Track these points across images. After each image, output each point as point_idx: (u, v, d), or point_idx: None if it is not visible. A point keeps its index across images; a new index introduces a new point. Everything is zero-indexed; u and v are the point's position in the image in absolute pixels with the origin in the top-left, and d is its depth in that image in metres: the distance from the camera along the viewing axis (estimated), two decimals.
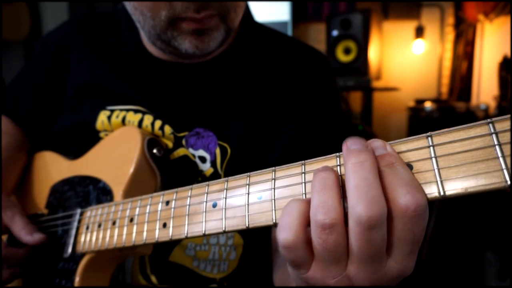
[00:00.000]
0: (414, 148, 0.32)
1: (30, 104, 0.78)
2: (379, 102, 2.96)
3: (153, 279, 0.67)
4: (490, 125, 0.29)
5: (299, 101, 0.68)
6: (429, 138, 0.31)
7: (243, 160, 0.65)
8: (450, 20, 2.94)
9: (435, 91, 3.04)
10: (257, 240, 0.70)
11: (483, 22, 2.53)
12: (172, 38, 0.59)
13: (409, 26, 2.94)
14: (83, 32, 0.75)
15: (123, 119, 0.67)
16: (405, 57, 3.02)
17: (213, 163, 0.64)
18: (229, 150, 0.64)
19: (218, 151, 0.64)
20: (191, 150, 0.65)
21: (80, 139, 0.72)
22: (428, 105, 2.46)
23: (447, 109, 2.40)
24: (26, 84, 0.79)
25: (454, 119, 2.35)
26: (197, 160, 0.65)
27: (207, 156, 0.65)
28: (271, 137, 0.66)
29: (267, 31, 0.76)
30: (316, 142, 0.68)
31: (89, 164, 0.67)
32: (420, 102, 2.63)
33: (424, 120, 2.44)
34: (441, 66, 3.00)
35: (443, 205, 1.83)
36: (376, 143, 0.33)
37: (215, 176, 0.65)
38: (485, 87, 2.54)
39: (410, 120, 2.68)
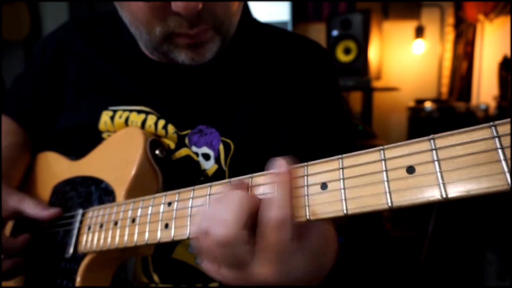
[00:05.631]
0: (416, 151, 0.32)
1: (31, 104, 0.78)
2: (379, 102, 2.96)
3: (155, 277, 0.67)
4: (493, 128, 0.29)
5: (301, 95, 0.68)
6: (432, 141, 0.31)
7: (247, 156, 0.65)
8: (450, 20, 2.94)
9: (435, 91, 3.04)
10: None
11: (483, 22, 2.53)
12: (168, 51, 0.60)
13: (409, 26, 2.93)
14: (84, 32, 0.75)
15: (126, 120, 0.68)
16: (405, 57, 3.02)
17: (217, 160, 0.65)
18: (232, 146, 0.65)
19: (221, 147, 0.65)
20: (194, 148, 0.65)
21: (82, 139, 0.72)
22: (428, 105, 2.45)
23: (447, 109, 2.40)
24: (27, 84, 0.79)
25: (454, 119, 2.35)
26: (200, 159, 0.65)
27: (211, 153, 0.65)
28: (273, 131, 0.67)
29: (266, 27, 0.76)
30: (317, 136, 0.68)
31: (92, 165, 0.67)
32: (420, 102, 2.63)
33: (424, 120, 2.44)
34: (441, 66, 3.00)
35: (443, 205, 1.83)
36: (276, 162, 0.39)
37: (219, 172, 0.65)
38: (485, 87, 2.54)
39: (410, 120, 2.68)
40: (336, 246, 0.61)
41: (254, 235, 0.38)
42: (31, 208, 0.61)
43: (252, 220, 0.38)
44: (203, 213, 0.39)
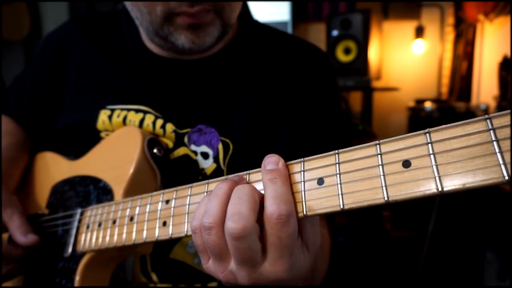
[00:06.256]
0: (412, 145, 0.32)
1: (31, 104, 0.78)
2: (379, 102, 2.96)
3: (154, 277, 0.67)
4: (488, 121, 0.29)
5: (299, 97, 0.69)
6: (427, 135, 0.31)
7: (246, 156, 0.65)
8: (450, 20, 2.94)
9: (435, 91, 3.04)
10: None
11: (483, 22, 2.53)
12: (168, 33, 0.60)
13: (409, 26, 2.93)
14: (85, 31, 0.75)
15: (124, 119, 0.68)
16: (405, 57, 3.02)
17: (216, 159, 0.65)
18: (231, 146, 0.65)
19: (220, 146, 0.65)
20: (193, 147, 0.65)
21: (81, 139, 0.72)
22: (428, 105, 2.45)
23: (447, 109, 2.40)
24: (27, 84, 0.79)
25: (454, 119, 2.32)
26: (199, 157, 0.65)
27: (210, 152, 0.65)
28: (272, 132, 0.67)
29: (267, 29, 0.76)
30: (315, 137, 0.69)
31: (90, 164, 0.67)
32: (420, 102, 2.63)
33: (424, 120, 2.44)
34: (441, 66, 3.00)
35: (443, 205, 1.83)
36: (271, 158, 0.39)
37: (217, 171, 0.65)
38: (485, 87, 2.54)
39: (410, 120, 2.68)
40: (329, 251, 0.61)
41: (260, 231, 0.37)
42: (13, 228, 0.60)
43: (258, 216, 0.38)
44: (205, 209, 0.38)
